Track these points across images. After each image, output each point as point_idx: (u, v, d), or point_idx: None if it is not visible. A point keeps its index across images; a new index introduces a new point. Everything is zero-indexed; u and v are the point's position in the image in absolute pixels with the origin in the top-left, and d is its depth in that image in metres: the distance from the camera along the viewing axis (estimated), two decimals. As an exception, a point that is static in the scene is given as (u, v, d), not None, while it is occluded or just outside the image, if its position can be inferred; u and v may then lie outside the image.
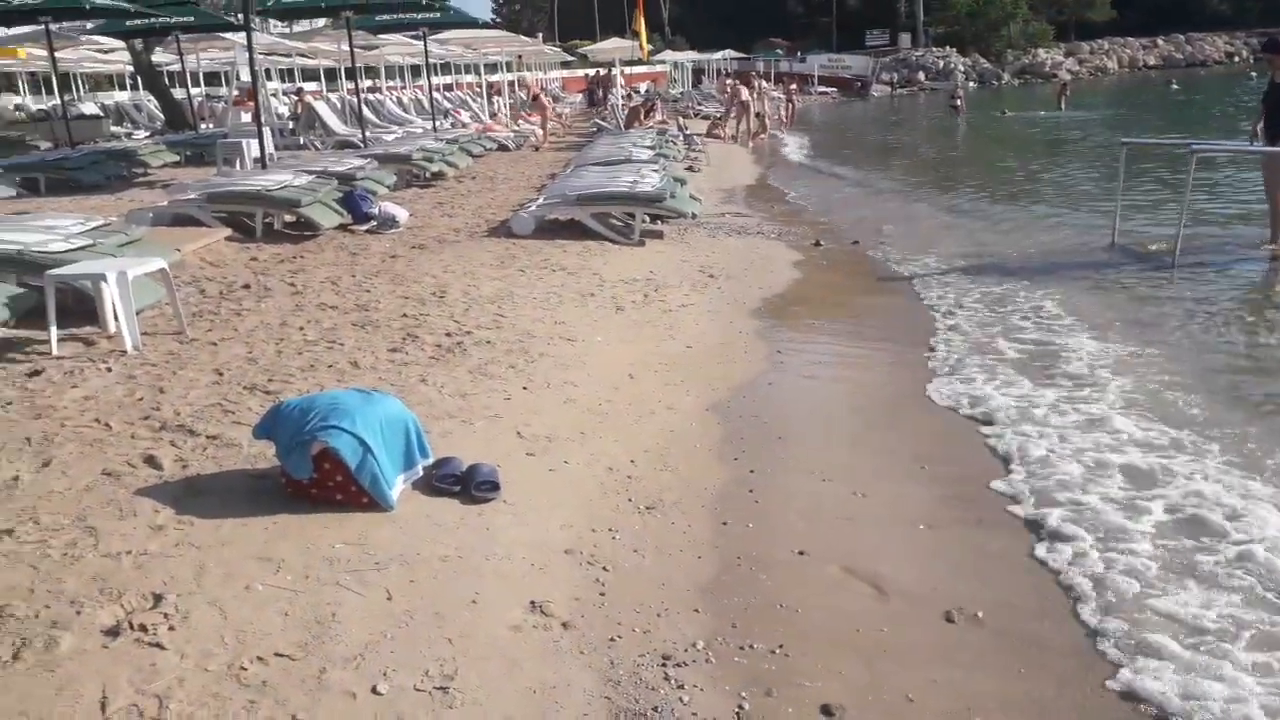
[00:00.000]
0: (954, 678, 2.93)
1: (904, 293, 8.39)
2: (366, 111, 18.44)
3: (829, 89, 55.08)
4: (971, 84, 57.50)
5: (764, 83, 33.04)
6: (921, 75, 61.08)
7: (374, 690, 2.59)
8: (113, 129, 21.30)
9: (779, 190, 16.08)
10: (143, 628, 2.73)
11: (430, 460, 3.85)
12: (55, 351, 5.31)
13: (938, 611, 3.29)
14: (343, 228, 9.53)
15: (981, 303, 7.86)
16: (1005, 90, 55.54)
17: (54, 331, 5.36)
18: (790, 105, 32.62)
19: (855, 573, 3.56)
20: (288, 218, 9.28)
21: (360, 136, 16.27)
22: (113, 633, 2.71)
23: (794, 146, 24.85)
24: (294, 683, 2.58)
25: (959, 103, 35.16)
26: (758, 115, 26.13)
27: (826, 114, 42.61)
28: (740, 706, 2.75)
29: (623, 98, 29.26)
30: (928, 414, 5.36)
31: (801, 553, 3.69)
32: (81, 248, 6.10)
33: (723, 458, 4.62)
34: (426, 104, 22.56)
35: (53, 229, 6.47)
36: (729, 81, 30.95)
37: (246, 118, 19.13)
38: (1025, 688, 2.91)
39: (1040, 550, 3.73)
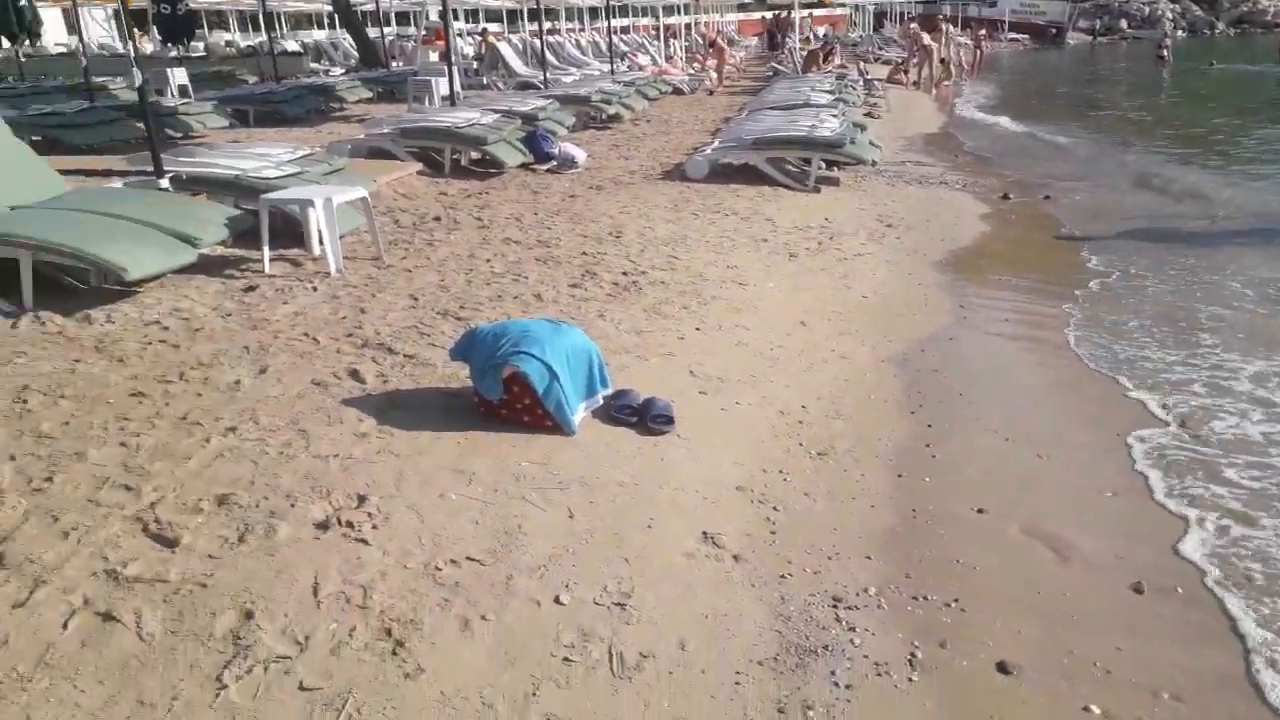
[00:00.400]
0: (1141, 649, 2.82)
1: (1098, 252, 7.90)
2: (547, 54, 18.72)
3: (1020, 36, 51.84)
4: (1180, 33, 52.79)
5: (951, 28, 31.46)
6: (1124, 23, 56.61)
7: (556, 600, 2.72)
8: (311, 65, 22.44)
9: (962, 140, 15.37)
10: (349, 524, 2.96)
11: (610, 391, 3.96)
12: (268, 270, 5.73)
13: (1124, 581, 3.17)
14: (525, 166, 9.78)
15: (1183, 267, 7.35)
16: (1218, 40, 50.95)
17: (266, 251, 5.79)
18: (978, 52, 31.03)
19: (1036, 535, 3.45)
20: (474, 155, 9.60)
21: (541, 78, 16.55)
22: (323, 526, 2.95)
23: (981, 95, 23.63)
24: (484, 586, 2.75)
25: (1165, 53, 32.49)
26: (942, 61, 24.99)
27: (1017, 62, 40.26)
28: (913, 654, 2.74)
29: (800, 41, 28.54)
30: (1116, 379, 5.08)
31: (980, 511, 3.60)
32: (291, 175, 6.52)
33: (900, 410, 4.54)
34: (604, 47, 22.70)
35: (265, 157, 6.93)
36: (912, 27, 29.65)
37: (434, 57, 19.79)
38: (1217, 665, 2.77)
39: (1236, 529, 3.52)
